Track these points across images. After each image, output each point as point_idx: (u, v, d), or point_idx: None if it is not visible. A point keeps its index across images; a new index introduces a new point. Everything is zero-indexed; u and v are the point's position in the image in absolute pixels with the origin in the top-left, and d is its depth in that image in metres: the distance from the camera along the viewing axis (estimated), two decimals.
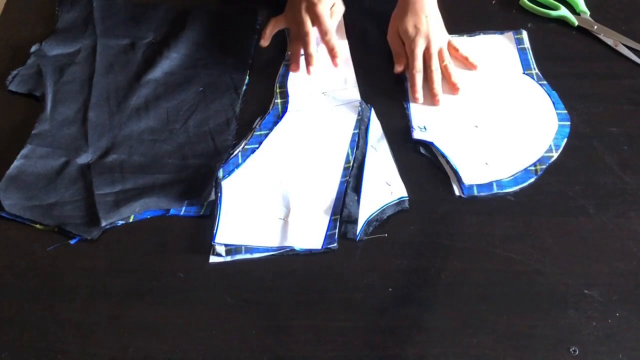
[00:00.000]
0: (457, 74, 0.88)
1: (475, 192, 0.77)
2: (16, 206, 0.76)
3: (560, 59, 0.89)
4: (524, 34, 0.92)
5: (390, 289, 0.71)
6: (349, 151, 0.82)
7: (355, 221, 0.75)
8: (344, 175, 0.79)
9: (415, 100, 0.86)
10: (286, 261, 0.73)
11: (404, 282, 0.71)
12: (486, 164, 0.80)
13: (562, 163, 0.79)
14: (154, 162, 0.81)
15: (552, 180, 0.78)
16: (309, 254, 0.74)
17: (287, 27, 0.93)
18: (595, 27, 0.92)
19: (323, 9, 0.87)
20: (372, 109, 0.85)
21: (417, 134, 0.83)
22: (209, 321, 0.69)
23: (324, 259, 0.73)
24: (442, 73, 0.88)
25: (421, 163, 0.81)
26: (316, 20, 0.87)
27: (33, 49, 0.90)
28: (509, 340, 0.67)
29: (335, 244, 0.74)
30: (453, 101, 0.86)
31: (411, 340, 0.67)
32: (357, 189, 0.77)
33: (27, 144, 0.81)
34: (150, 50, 0.91)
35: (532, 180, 0.78)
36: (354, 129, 0.83)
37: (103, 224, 0.75)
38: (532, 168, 0.79)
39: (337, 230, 0.75)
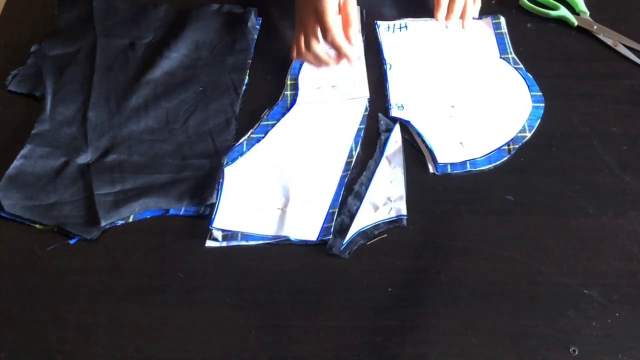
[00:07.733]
0: (472, 15, 0.89)
1: (449, 170, 0.79)
2: (16, 206, 0.76)
3: (560, 59, 0.89)
4: (502, 19, 0.93)
5: (390, 289, 0.71)
6: (353, 145, 0.82)
7: (344, 233, 0.74)
8: (345, 170, 0.79)
9: (436, 18, 0.87)
10: (286, 261, 0.73)
11: (404, 282, 0.71)
12: (461, 143, 0.81)
13: (562, 163, 0.79)
14: (154, 162, 0.81)
15: (551, 181, 0.78)
16: (308, 253, 0.74)
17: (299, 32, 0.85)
18: (595, 27, 0.91)
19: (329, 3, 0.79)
20: (398, 122, 0.84)
21: (394, 112, 0.84)
22: (209, 321, 0.69)
23: (324, 259, 0.73)
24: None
25: (420, 161, 0.81)
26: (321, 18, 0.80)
27: (33, 48, 0.90)
28: (508, 340, 0.67)
29: (331, 236, 0.74)
30: (430, 81, 0.88)
31: (411, 340, 0.67)
32: (360, 198, 0.77)
33: (27, 144, 0.81)
34: (149, 50, 0.91)
35: (505, 159, 0.79)
36: (360, 124, 0.83)
37: (103, 224, 0.75)
38: (506, 147, 0.81)
39: (333, 224, 0.75)
